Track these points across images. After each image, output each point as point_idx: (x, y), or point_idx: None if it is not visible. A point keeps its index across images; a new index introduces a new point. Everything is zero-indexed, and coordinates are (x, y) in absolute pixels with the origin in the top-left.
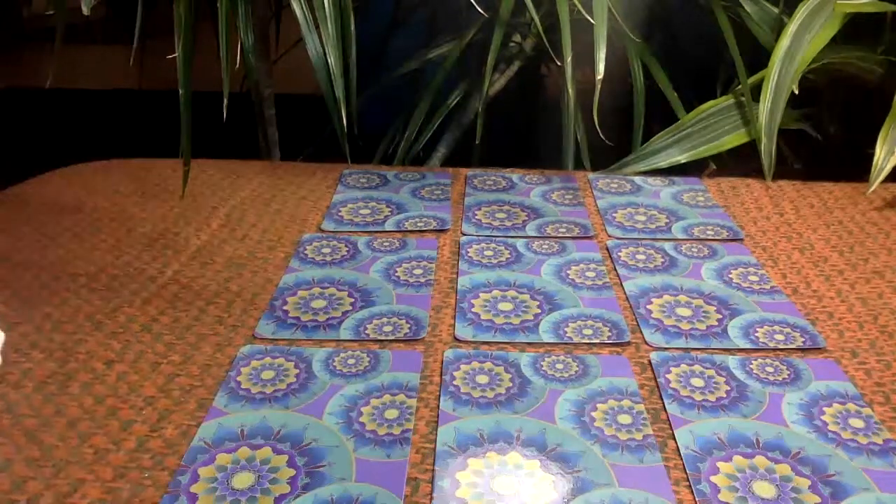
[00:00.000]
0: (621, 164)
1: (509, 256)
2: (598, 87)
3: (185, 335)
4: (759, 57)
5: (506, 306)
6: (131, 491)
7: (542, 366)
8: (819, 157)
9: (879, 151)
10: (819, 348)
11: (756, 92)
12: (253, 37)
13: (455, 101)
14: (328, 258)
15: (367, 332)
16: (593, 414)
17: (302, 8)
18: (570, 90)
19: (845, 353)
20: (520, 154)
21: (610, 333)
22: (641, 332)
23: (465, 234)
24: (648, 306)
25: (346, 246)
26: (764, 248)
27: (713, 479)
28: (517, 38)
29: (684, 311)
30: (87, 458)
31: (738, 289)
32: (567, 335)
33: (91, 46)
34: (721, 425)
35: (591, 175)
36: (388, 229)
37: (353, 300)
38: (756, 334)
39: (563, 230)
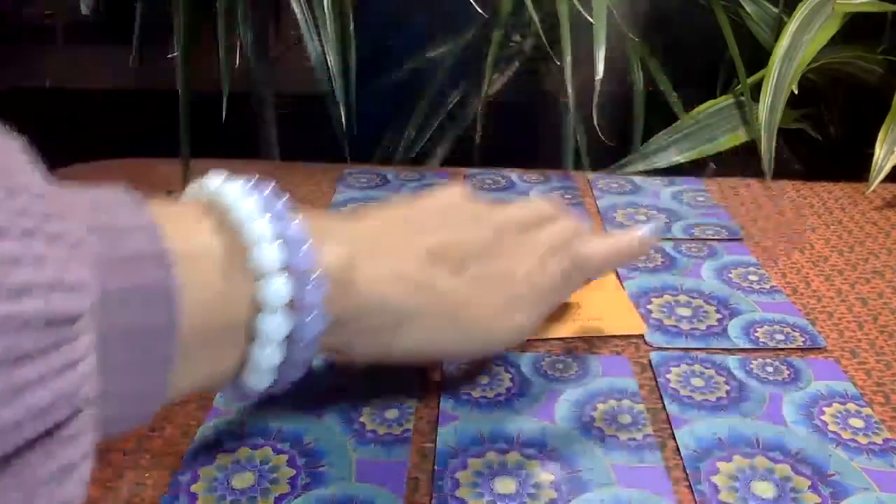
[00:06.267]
0: (621, 164)
1: None
2: (598, 87)
3: None
4: (759, 57)
5: None
6: (131, 491)
7: (542, 366)
8: (819, 157)
9: (879, 151)
10: (819, 348)
11: (756, 92)
12: (252, 37)
13: (455, 101)
14: None
15: None
16: (593, 414)
17: (301, 8)
18: (569, 90)
19: (845, 353)
20: (519, 154)
21: None
22: None
23: None
24: (648, 306)
25: None
26: (764, 248)
27: (713, 479)
28: (517, 37)
29: (684, 311)
30: None
31: (737, 288)
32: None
33: (91, 46)
34: (721, 425)
35: (590, 175)
36: None
37: None
38: (756, 334)
39: None
